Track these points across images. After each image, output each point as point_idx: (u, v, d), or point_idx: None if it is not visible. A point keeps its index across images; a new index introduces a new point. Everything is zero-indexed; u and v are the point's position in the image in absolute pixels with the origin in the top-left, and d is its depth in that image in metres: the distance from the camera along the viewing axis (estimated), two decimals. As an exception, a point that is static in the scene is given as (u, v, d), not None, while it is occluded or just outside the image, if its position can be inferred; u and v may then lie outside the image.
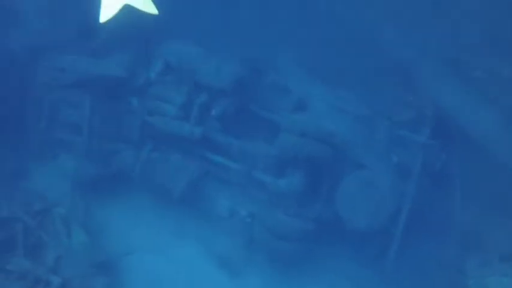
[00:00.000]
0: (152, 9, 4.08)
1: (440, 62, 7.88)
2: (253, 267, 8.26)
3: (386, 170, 7.05)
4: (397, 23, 7.92)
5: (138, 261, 8.12)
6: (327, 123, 7.43)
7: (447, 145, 7.61)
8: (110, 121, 8.67)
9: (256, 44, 8.86)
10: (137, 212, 8.60)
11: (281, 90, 8.51)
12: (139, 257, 8.19)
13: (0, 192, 8.09)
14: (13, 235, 7.54)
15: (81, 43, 9.33)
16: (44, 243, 7.58)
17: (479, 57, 7.36)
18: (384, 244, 7.61)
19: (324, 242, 8.02)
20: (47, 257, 7.44)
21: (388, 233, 7.53)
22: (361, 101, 7.59)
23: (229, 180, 8.44)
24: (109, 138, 8.71)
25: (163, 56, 8.83)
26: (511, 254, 6.98)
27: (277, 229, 7.82)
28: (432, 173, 7.56)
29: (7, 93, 8.78)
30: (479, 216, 7.53)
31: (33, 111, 9.02)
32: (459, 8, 7.32)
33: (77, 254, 7.45)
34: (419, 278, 7.62)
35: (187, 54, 8.74)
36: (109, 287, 7.38)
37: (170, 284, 8.08)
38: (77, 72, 8.47)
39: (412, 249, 7.62)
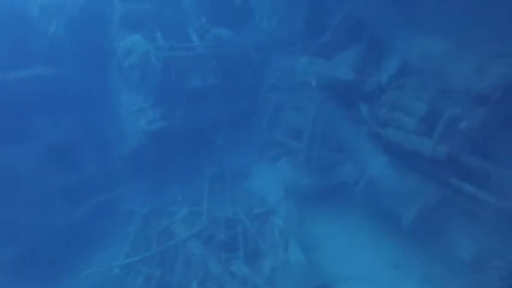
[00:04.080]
0: None
1: None
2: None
3: None
4: None
5: (353, 289, 7.20)
6: None
7: None
8: (334, 129, 7.90)
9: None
10: (355, 233, 7.60)
11: None
12: (355, 285, 7.22)
13: (226, 192, 8.42)
14: (235, 236, 7.69)
15: (308, 40, 8.88)
16: (261, 251, 7.47)
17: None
18: None
19: None
20: (263, 265, 7.30)
21: None
22: None
23: (478, 216, 6.49)
24: (332, 147, 7.96)
25: (401, 54, 7.40)
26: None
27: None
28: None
29: (239, 93, 9.12)
30: None
31: (258, 111, 9.13)
32: None
33: (292, 271, 7.01)
34: None
35: (433, 50, 7.02)
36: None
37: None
38: (306, 74, 7.95)
39: None
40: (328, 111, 7.81)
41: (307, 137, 8.03)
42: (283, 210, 7.96)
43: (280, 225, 7.52)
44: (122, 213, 8.55)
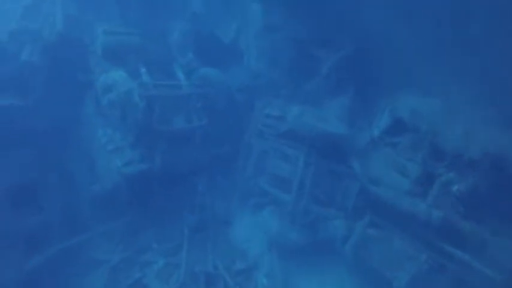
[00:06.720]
0: None
1: None
2: None
3: None
4: None
5: None
6: None
7: None
8: (323, 182, 7.60)
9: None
10: (343, 295, 7.23)
11: None
12: None
13: (207, 241, 7.84)
14: (214, 294, 7.11)
15: (295, 86, 8.66)
16: (242, 312, 6.92)
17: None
18: None
19: None
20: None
21: None
22: None
23: (472, 286, 6.29)
24: (320, 201, 7.63)
25: (393, 109, 7.30)
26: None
27: None
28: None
29: (223, 136, 8.68)
30: None
31: (242, 156, 8.70)
32: None
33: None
34: None
35: (426, 108, 6.97)
36: None
37: None
38: (296, 124, 7.66)
39: None
40: (318, 163, 7.53)
41: (295, 188, 7.68)
42: (267, 265, 7.47)
43: (265, 284, 7.01)
44: (89, 262, 7.72)
